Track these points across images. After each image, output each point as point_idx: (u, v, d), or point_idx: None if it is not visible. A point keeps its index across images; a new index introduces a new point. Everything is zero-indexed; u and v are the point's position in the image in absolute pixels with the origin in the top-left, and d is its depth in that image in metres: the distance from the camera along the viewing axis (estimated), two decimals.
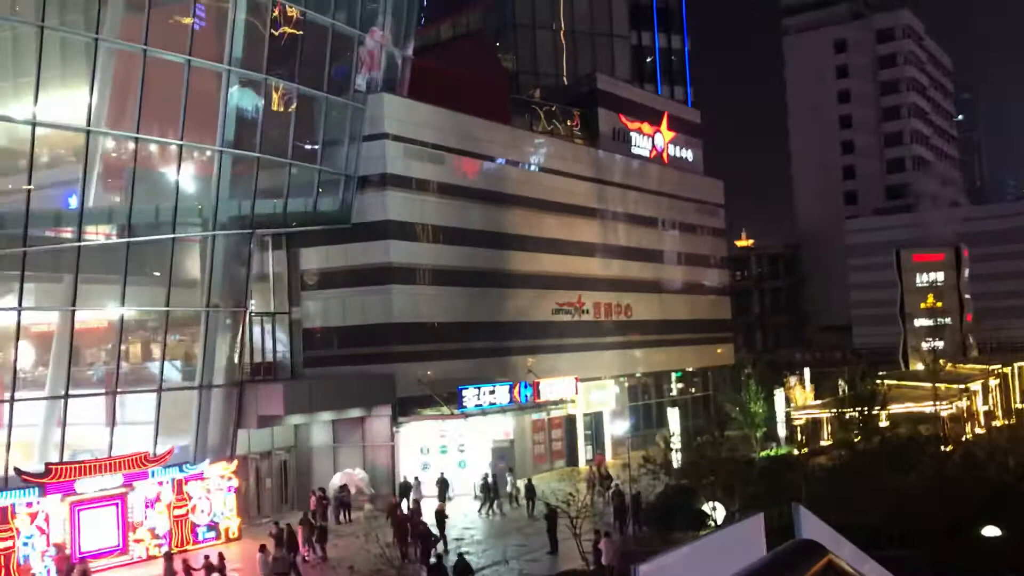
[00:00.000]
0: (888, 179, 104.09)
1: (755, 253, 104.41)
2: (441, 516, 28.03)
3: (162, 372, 28.41)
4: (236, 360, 30.62)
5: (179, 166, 28.03)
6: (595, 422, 46.04)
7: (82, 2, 28.17)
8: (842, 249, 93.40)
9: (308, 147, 32.38)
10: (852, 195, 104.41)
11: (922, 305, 66.48)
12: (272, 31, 29.63)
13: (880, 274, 74.72)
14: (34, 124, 24.94)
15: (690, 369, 56.01)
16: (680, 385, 55.36)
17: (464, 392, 35.48)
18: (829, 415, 42.62)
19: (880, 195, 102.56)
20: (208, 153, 29.09)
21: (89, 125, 26.02)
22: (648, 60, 73.64)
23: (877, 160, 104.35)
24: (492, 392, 36.71)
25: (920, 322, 66.34)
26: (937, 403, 42.19)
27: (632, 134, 52.52)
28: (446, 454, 35.96)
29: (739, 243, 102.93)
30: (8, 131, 26.60)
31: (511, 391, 37.48)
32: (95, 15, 26.20)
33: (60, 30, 26.57)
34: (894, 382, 48.41)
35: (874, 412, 36.88)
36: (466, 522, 31.32)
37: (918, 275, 67.20)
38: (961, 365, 55.07)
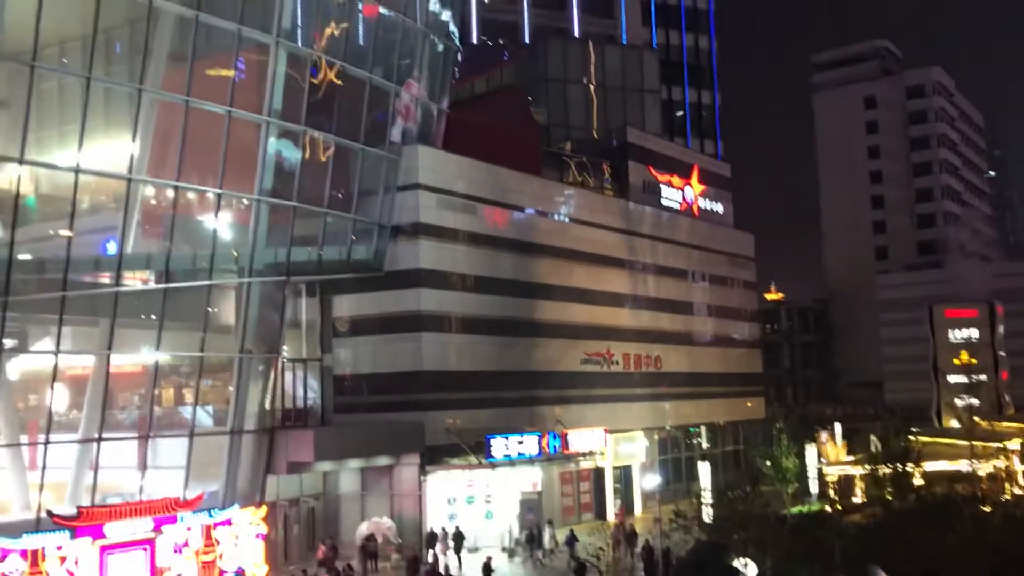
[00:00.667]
0: (919, 234, 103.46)
1: (785, 307, 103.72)
2: (488, 570, 28.22)
3: (194, 417, 28.59)
4: (267, 406, 30.76)
5: (217, 214, 28.52)
6: (624, 475, 45.59)
7: (127, 54, 29.01)
8: (873, 304, 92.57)
9: (343, 196, 32.84)
10: (883, 250, 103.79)
11: (955, 361, 65.59)
12: (311, 84, 30.26)
13: (912, 330, 73.92)
14: (77, 171, 25.50)
15: (720, 423, 55.45)
16: (711, 439, 54.75)
17: (492, 441, 35.36)
18: (862, 472, 41.91)
19: (911, 250, 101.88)
20: (246, 202, 29.58)
21: (131, 173, 26.59)
22: (679, 114, 74.34)
23: (908, 215, 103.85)
24: (520, 442, 36.54)
25: (954, 379, 65.38)
26: (974, 461, 41.36)
27: (662, 186, 52.78)
28: (473, 504, 35.73)
29: (769, 296, 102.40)
30: (51, 178, 27.24)
31: (539, 441, 37.28)
32: (139, 66, 26.95)
33: (105, 81, 27.33)
34: (928, 439, 47.59)
35: (908, 469, 36.22)
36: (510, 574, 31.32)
37: (951, 331, 66.43)
38: (997, 423, 54.08)
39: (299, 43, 30.19)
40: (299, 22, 30.50)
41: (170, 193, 27.71)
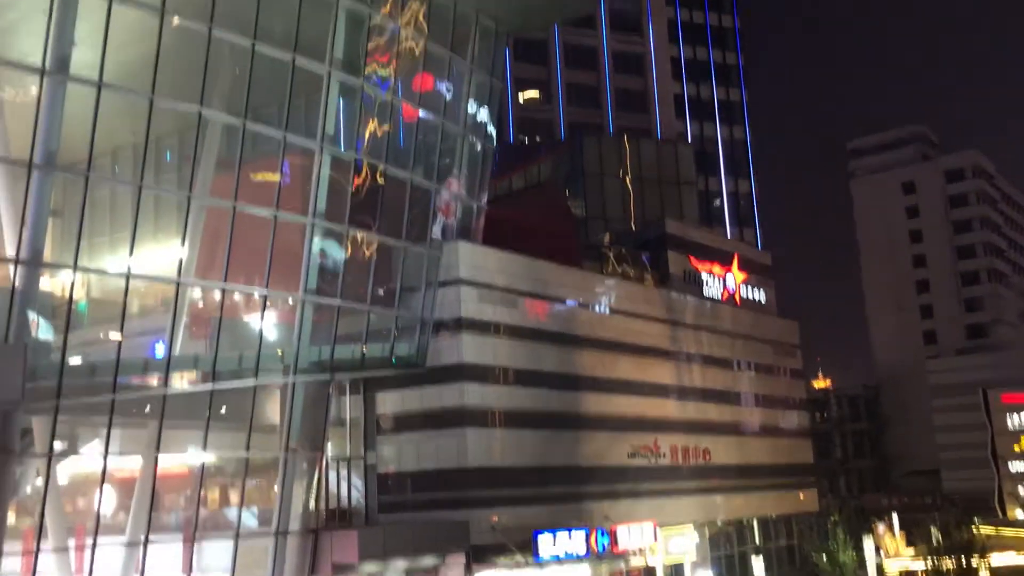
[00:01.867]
0: (967, 318, 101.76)
1: (834, 395, 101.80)
2: None
3: (240, 518, 28.44)
4: (311, 506, 30.52)
5: (263, 314, 28.93)
6: (676, 573, 44.25)
7: (176, 162, 30.10)
8: (925, 390, 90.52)
9: (386, 293, 33.19)
10: (931, 334, 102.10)
11: (1015, 448, 63.52)
12: (354, 184, 30.99)
13: (967, 416, 71.97)
14: (128, 276, 26.12)
15: (773, 516, 53.88)
16: (763, 534, 53.14)
17: (539, 538, 34.63)
18: (924, 566, 40.31)
19: (960, 334, 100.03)
20: (291, 301, 30.00)
21: (179, 276, 27.20)
22: (716, 203, 74.74)
23: (955, 299, 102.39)
24: (568, 539, 35.73)
25: (1015, 466, 63.21)
26: None
27: (703, 276, 52.68)
28: None
29: (817, 384, 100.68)
30: (102, 283, 27.97)
31: (587, 539, 36.43)
32: (188, 174, 27.85)
33: (156, 189, 28.25)
34: (992, 530, 45.78)
35: (974, 562, 34.80)
36: None
37: (1009, 416, 64.53)
38: None
39: (342, 147, 31.03)
40: (342, 127, 31.42)
41: (217, 295, 28.23)
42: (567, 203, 55.13)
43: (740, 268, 55.99)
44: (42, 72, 24.57)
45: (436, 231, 35.37)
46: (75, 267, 25.12)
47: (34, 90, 24.72)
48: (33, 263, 24.41)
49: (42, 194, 24.58)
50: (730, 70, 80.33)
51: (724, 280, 54.38)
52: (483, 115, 37.32)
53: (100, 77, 25.14)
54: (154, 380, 27.41)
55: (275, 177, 29.40)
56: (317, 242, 30.02)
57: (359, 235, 31.46)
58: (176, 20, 26.67)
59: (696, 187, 65.62)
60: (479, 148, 37.07)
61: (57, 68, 24.80)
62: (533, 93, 69.41)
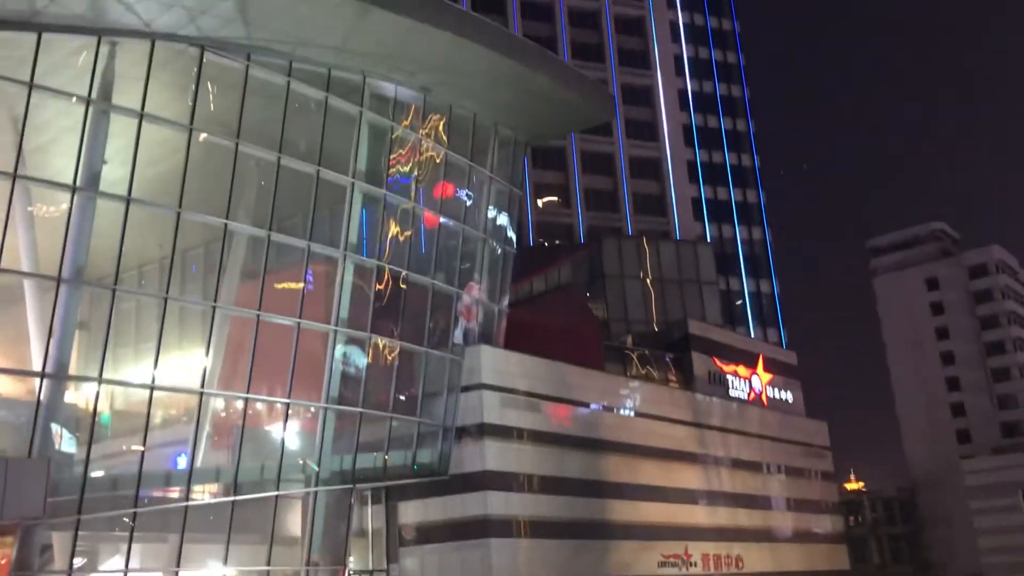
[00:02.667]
0: (1001, 415, 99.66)
1: (868, 497, 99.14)
2: None
3: None
4: None
5: (285, 423, 28.78)
6: None
7: (202, 273, 30.46)
8: (962, 490, 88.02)
9: (407, 399, 33.00)
10: (965, 433, 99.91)
11: None
12: (376, 291, 31.22)
13: (1009, 517, 69.73)
14: (152, 388, 26.18)
15: None
16: None
17: None
18: None
19: (995, 432, 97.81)
20: (313, 410, 29.87)
21: (203, 387, 27.21)
22: (738, 304, 74.54)
23: (987, 396, 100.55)
24: None
25: None
26: None
27: (728, 377, 52.13)
28: None
29: (849, 486, 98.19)
30: (126, 395, 27.99)
31: None
32: (213, 284, 28.18)
33: (181, 300, 28.55)
34: None
35: None
36: None
37: None
38: None
39: (365, 254, 31.40)
40: (364, 235, 31.88)
41: (240, 405, 28.16)
42: (588, 305, 55.15)
43: (765, 369, 55.41)
44: (73, 189, 25.24)
45: (458, 336, 35.40)
46: (100, 379, 25.22)
47: (64, 206, 25.34)
48: (59, 376, 24.55)
49: (70, 308, 24.90)
50: (746, 172, 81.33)
51: (750, 381, 53.76)
52: (503, 220, 37.79)
53: (129, 193, 25.77)
54: (176, 492, 27.12)
55: (298, 286, 29.69)
56: (340, 349, 30.08)
57: (381, 342, 31.51)
58: (203, 136, 27.47)
59: (718, 288, 65.58)
60: (500, 253, 37.39)
61: (87, 185, 25.47)
62: (552, 198, 70.44)
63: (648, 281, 61.41)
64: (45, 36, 24.69)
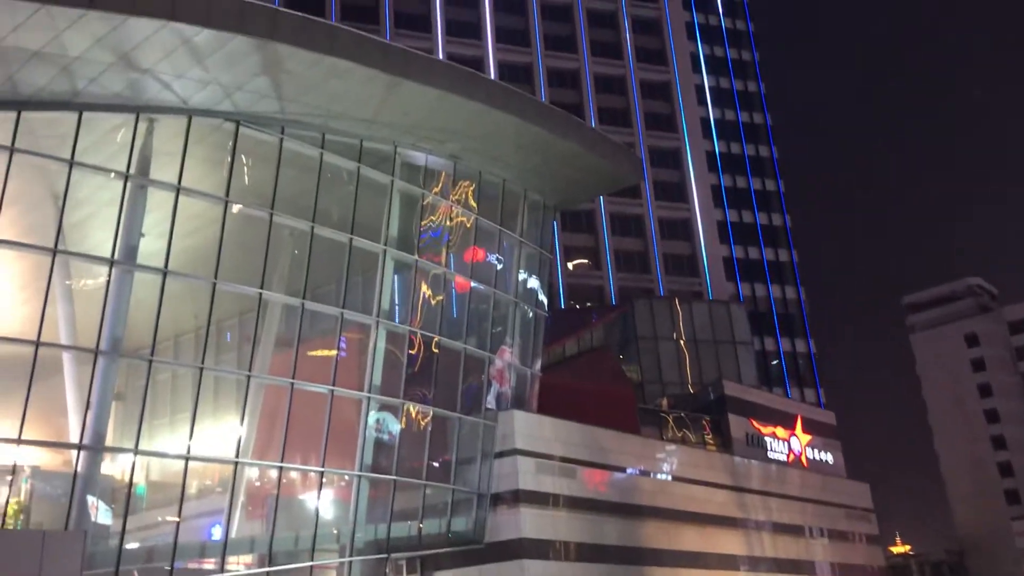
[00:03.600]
0: None
1: (916, 560, 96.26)
2: None
3: None
4: None
5: (319, 492, 28.64)
6: None
7: (236, 343, 30.72)
8: (1014, 553, 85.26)
9: (441, 466, 32.77)
10: (1013, 493, 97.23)
11: None
12: (408, 356, 31.27)
13: None
14: (187, 458, 26.25)
15: None
16: None
17: None
18: None
19: None
20: (347, 478, 29.73)
21: (237, 457, 27.23)
22: (774, 363, 73.70)
23: None
24: None
25: None
26: None
27: (766, 439, 51.29)
28: None
29: (895, 549, 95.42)
30: (161, 465, 28.07)
31: None
32: (248, 354, 28.40)
33: (216, 370, 28.76)
34: None
35: None
36: None
37: None
38: None
39: (397, 320, 31.54)
40: (396, 301, 32.07)
41: (274, 474, 28.11)
42: (622, 368, 54.79)
43: (804, 429, 54.47)
44: (111, 262, 25.71)
45: (491, 400, 35.24)
46: (136, 450, 25.34)
47: (103, 279, 25.79)
48: (96, 448, 24.70)
49: (107, 379, 25.16)
50: (777, 231, 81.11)
51: (788, 442, 52.84)
52: (534, 284, 37.87)
53: (165, 265, 26.21)
54: (211, 564, 26.98)
55: (332, 353, 29.82)
56: (373, 416, 30.04)
57: (414, 408, 31.44)
58: (238, 207, 27.96)
59: (752, 348, 64.99)
60: (531, 316, 37.38)
61: (125, 258, 25.94)
62: (582, 260, 70.61)
63: (682, 342, 60.99)
64: (86, 115, 25.44)
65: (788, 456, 52.45)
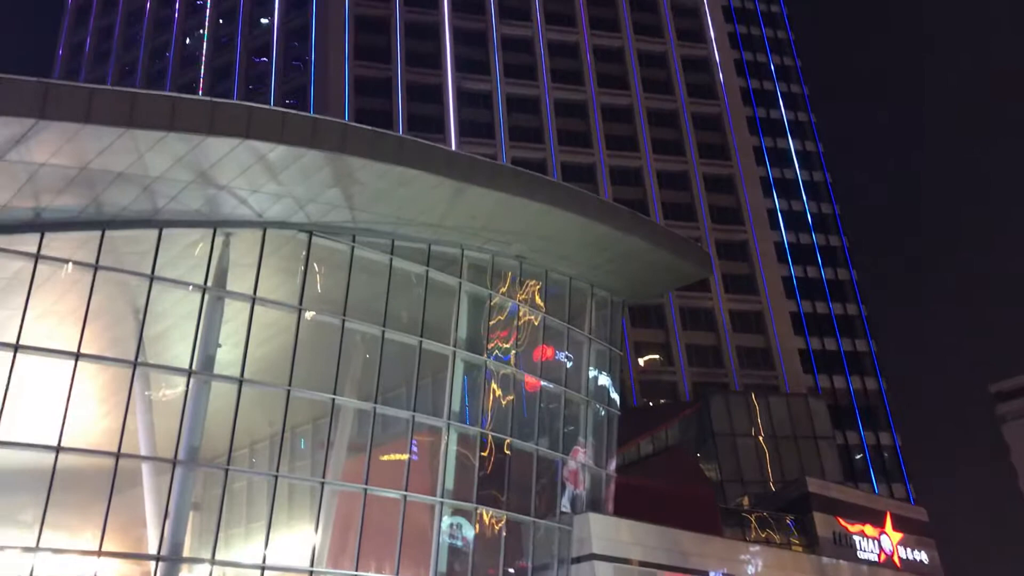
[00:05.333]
0: None
1: None
2: None
3: None
4: None
5: None
6: None
7: (310, 449, 30.87)
8: None
9: (517, 573, 31.98)
10: None
11: None
12: (480, 459, 30.97)
13: None
14: (263, 568, 26.14)
15: None
16: None
17: None
18: None
19: None
20: None
21: (312, 565, 27.02)
22: (858, 458, 71.10)
23: None
24: None
25: None
26: None
27: (855, 537, 49.02)
28: None
29: None
30: (237, 575, 27.96)
31: None
32: (322, 460, 28.48)
33: (291, 477, 28.88)
34: None
35: None
36: None
37: None
38: None
39: (467, 422, 31.40)
40: (467, 402, 31.99)
41: None
42: (700, 466, 53.42)
43: (895, 527, 51.97)
44: (189, 373, 26.30)
45: (565, 503, 34.54)
46: (212, 560, 25.34)
47: (181, 389, 26.35)
48: (173, 558, 24.79)
49: (184, 489, 25.43)
50: (852, 321, 79.34)
51: (879, 541, 50.41)
52: (605, 381, 37.46)
53: (241, 374, 26.69)
54: None
55: (404, 457, 29.72)
56: (446, 521, 29.64)
57: (487, 512, 30.96)
58: (311, 314, 28.50)
59: (834, 442, 62.87)
60: (603, 415, 36.87)
61: (203, 368, 26.53)
62: (653, 356, 69.83)
63: (760, 438, 59.36)
64: (165, 231, 26.47)
65: (879, 556, 49.95)
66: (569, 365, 35.57)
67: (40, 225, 25.14)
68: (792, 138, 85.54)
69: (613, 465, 38.42)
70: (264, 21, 75.92)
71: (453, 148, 65.32)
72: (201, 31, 78.89)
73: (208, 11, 79.35)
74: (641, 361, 69.31)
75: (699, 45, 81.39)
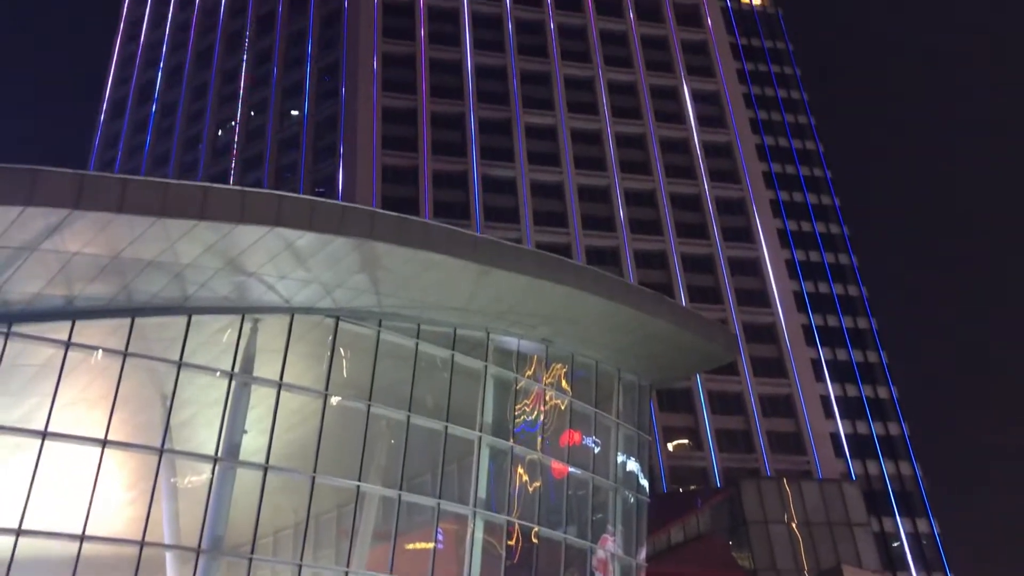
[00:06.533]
0: None
1: None
2: None
3: None
4: None
5: None
6: None
7: (334, 537, 30.44)
8: None
9: None
10: None
11: None
12: (507, 547, 30.35)
13: None
14: None
15: None
16: None
17: None
18: None
19: None
20: None
21: None
22: (895, 545, 69.05)
23: None
24: None
25: None
26: None
27: None
28: None
29: None
30: None
31: None
32: (346, 549, 28.03)
33: (314, 566, 28.44)
34: None
35: None
36: None
37: None
38: None
39: (494, 509, 30.91)
40: (493, 489, 31.54)
41: None
42: (732, 555, 52.09)
43: None
44: (215, 460, 26.21)
45: None
46: None
47: (206, 476, 26.22)
48: None
49: None
50: (885, 404, 78.11)
51: None
52: (633, 467, 36.88)
53: (267, 460, 26.56)
54: None
55: (429, 545, 29.21)
56: None
57: None
58: (337, 400, 28.46)
59: (870, 529, 61.18)
60: (632, 501, 36.18)
61: (228, 455, 26.44)
62: (682, 441, 68.81)
63: (794, 525, 57.91)
64: (194, 318, 26.74)
65: None
66: (597, 450, 35.11)
67: (71, 313, 25.50)
68: (816, 221, 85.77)
69: (643, 554, 37.54)
70: (295, 113, 77.94)
71: (478, 233, 66.00)
72: (233, 123, 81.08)
73: (240, 104, 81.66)
74: (670, 446, 68.29)
75: (721, 130, 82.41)
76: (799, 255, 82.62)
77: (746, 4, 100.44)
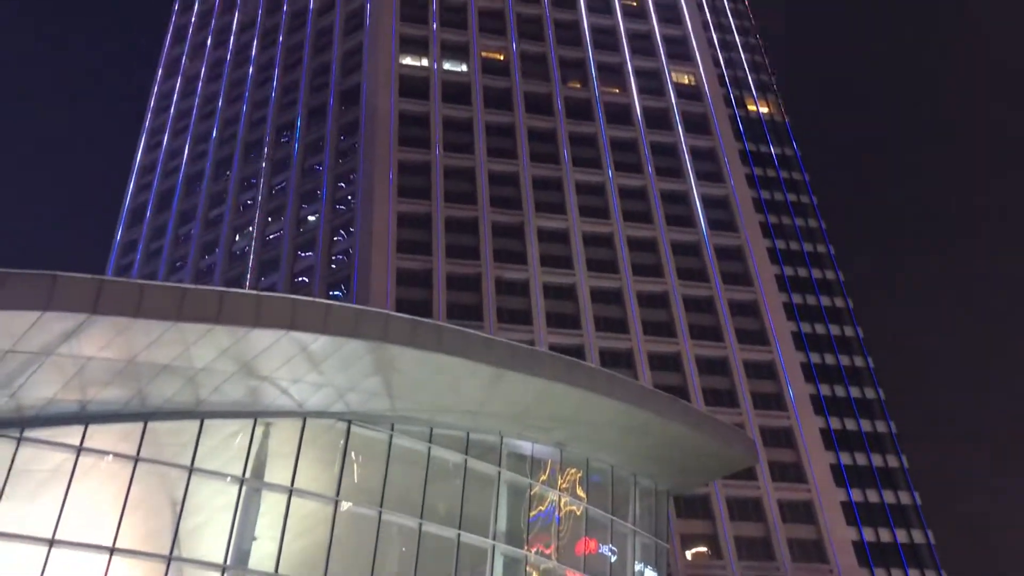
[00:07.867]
0: None
1: None
2: None
3: None
4: None
5: None
6: None
7: None
8: None
9: None
10: None
11: None
12: None
13: None
14: None
15: None
16: None
17: None
18: None
19: None
20: None
21: None
22: None
23: None
24: None
25: None
26: None
27: None
28: None
29: None
30: None
31: None
32: None
33: None
34: None
35: None
36: None
37: None
38: None
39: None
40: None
41: None
42: None
43: None
44: (223, 568, 25.65)
45: None
46: None
47: None
48: None
49: None
50: (907, 511, 76.43)
51: None
52: (650, 574, 35.88)
53: (276, 568, 25.97)
54: None
55: None
56: None
57: None
58: (348, 505, 27.99)
59: None
60: None
61: (237, 563, 25.90)
62: (701, 549, 67.00)
63: None
64: (206, 422, 26.60)
65: None
66: (614, 559, 34.22)
67: (85, 417, 25.43)
68: (830, 323, 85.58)
69: None
70: (311, 219, 79.24)
71: (491, 335, 66.06)
72: (250, 228, 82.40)
73: (257, 211, 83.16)
74: (688, 554, 66.49)
75: (732, 234, 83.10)
76: (814, 357, 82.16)
77: (753, 112, 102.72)
